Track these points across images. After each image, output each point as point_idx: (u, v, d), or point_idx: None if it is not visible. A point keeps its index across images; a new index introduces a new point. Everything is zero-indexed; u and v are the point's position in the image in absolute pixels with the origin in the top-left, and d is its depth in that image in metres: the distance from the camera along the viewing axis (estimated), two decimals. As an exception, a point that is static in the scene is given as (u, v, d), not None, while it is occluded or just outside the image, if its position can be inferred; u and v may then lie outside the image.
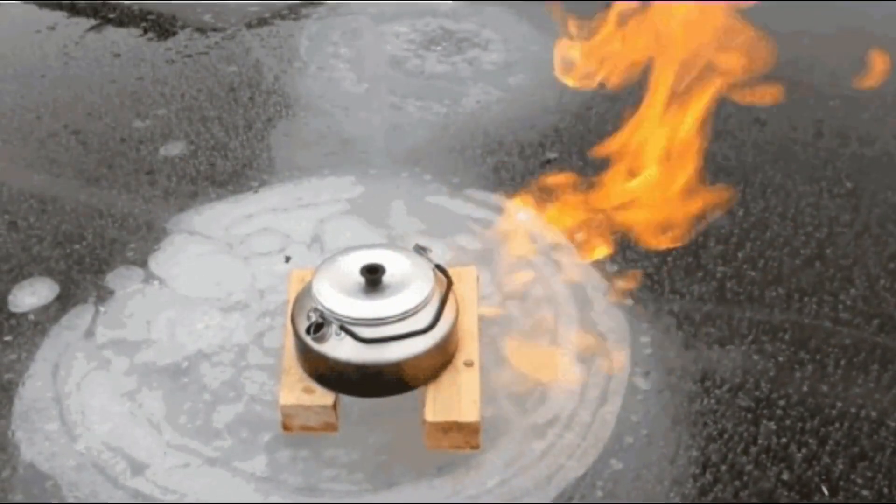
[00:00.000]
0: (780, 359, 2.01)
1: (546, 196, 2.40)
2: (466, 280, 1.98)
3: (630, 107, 2.24)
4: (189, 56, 3.21)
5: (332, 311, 1.72)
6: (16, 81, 3.10)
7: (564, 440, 1.82)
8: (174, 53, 3.22)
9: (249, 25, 3.38)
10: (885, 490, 1.74)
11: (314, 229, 2.36)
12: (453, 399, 1.75)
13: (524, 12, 3.43)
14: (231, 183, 2.57)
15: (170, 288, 2.21)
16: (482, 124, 2.81)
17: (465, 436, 1.73)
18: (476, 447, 1.76)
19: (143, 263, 2.28)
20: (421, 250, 1.87)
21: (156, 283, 2.22)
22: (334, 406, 1.76)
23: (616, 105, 2.89)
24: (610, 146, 2.23)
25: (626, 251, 2.27)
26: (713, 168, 2.57)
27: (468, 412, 1.73)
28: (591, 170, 2.40)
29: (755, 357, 2.01)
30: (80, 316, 2.13)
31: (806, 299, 2.16)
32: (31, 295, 2.20)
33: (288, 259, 2.27)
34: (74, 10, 3.52)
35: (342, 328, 1.71)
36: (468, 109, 2.89)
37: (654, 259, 2.26)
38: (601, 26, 2.29)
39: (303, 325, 1.75)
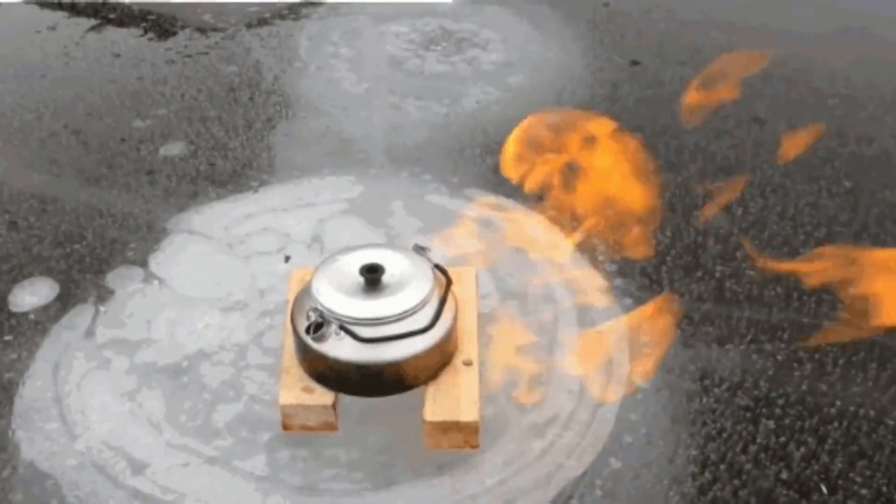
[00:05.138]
0: (779, 357, 2.01)
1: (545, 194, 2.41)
2: (465, 279, 1.98)
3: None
4: (189, 56, 3.21)
5: (331, 311, 1.72)
6: (16, 81, 3.10)
7: (564, 439, 1.82)
8: (174, 53, 3.23)
9: (249, 25, 3.38)
10: (884, 489, 1.74)
11: (314, 229, 2.37)
12: (453, 398, 1.75)
13: (524, 12, 3.43)
14: (231, 183, 2.57)
15: (170, 288, 2.21)
16: (482, 124, 2.81)
17: (464, 435, 1.73)
18: (475, 447, 1.76)
19: (144, 263, 2.28)
20: (420, 250, 1.87)
21: (156, 282, 2.22)
22: (334, 405, 1.76)
23: (615, 105, 2.90)
24: None
25: (627, 251, 2.28)
26: (712, 167, 2.58)
27: (467, 412, 1.73)
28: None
29: (754, 356, 2.01)
30: (81, 315, 2.13)
31: (805, 298, 2.16)
32: (32, 294, 2.20)
33: (288, 259, 2.27)
34: (75, 11, 3.52)
35: (342, 328, 1.71)
36: (468, 109, 2.89)
37: (653, 258, 2.26)
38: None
39: (302, 325, 1.75)
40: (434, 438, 1.74)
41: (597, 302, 2.13)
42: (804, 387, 1.95)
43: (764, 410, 1.89)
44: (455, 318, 1.82)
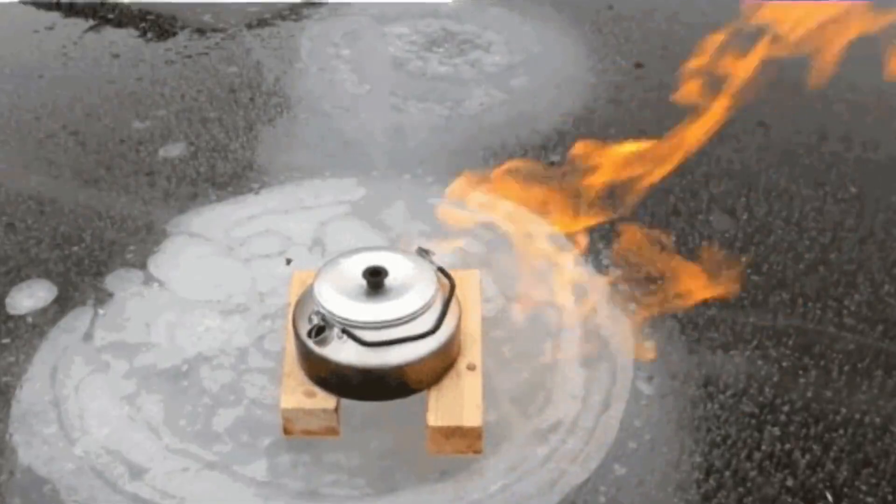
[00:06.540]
0: (784, 364, 2.00)
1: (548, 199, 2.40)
2: (469, 283, 1.97)
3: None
4: (189, 57, 3.19)
5: (333, 314, 1.71)
6: (14, 82, 3.08)
7: (567, 445, 1.81)
8: (174, 54, 3.21)
9: (250, 26, 3.37)
10: (890, 497, 1.73)
11: (315, 231, 2.35)
12: (456, 403, 1.74)
13: (527, 14, 3.42)
14: (231, 184, 2.56)
15: (169, 290, 2.19)
16: (484, 126, 2.80)
17: (467, 440, 1.72)
18: (478, 452, 1.75)
19: (143, 265, 2.27)
20: (423, 253, 1.86)
21: (155, 285, 2.21)
22: (336, 410, 1.75)
23: (619, 108, 2.89)
24: None
25: (630, 255, 2.26)
26: (717, 172, 2.57)
27: (471, 417, 1.72)
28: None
29: (759, 362, 2.00)
30: (79, 318, 2.11)
31: (810, 304, 2.15)
32: (30, 297, 2.18)
33: (289, 261, 2.26)
34: (73, 11, 3.50)
35: (344, 331, 1.70)
36: (470, 111, 2.88)
37: (657, 263, 2.25)
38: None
39: (304, 328, 1.74)
40: (437, 444, 1.73)
41: (601, 306, 2.12)
42: (809, 394, 1.94)
43: (769, 417, 1.88)
44: (458, 322, 1.81)
